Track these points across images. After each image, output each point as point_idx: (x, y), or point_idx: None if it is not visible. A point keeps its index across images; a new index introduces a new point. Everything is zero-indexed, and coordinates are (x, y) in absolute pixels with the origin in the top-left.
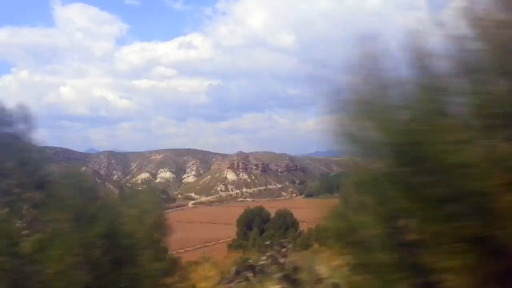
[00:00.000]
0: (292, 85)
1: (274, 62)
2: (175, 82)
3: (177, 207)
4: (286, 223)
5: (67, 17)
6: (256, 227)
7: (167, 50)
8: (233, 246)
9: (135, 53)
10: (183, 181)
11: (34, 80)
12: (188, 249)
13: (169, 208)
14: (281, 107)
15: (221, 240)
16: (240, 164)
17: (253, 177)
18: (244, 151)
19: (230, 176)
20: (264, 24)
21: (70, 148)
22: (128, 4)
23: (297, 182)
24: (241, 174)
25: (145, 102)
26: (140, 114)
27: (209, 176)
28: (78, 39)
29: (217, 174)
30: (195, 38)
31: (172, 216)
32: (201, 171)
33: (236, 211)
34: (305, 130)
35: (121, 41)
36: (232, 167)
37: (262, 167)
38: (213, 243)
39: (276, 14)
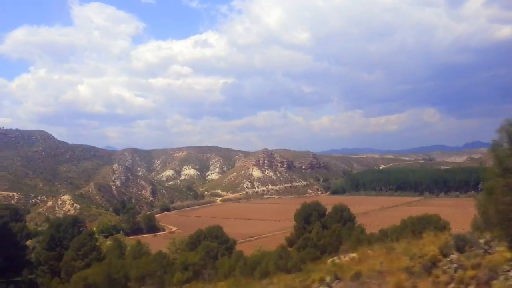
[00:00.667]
0: (307, 83)
1: (289, 59)
2: (191, 80)
3: (206, 203)
4: (343, 218)
5: (85, 16)
6: (314, 221)
7: (182, 48)
8: (293, 239)
9: (150, 51)
10: (207, 178)
11: (52, 78)
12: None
13: (198, 205)
14: (295, 105)
15: (274, 233)
16: (265, 161)
17: (278, 174)
18: (263, 148)
19: (256, 173)
20: (279, 21)
21: (94, 145)
22: (145, 3)
23: (321, 179)
24: (267, 171)
25: (161, 100)
26: (156, 112)
27: (234, 173)
28: (95, 38)
29: (243, 171)
30: (211, 36)
31: (205, 212)
32: (225, 168)
33: (266, 207)
34: (320, 128)
35: (137, 40)
36: (257, 164)
37: (287, 164)
38: (262, 236)
39: (291, 12)
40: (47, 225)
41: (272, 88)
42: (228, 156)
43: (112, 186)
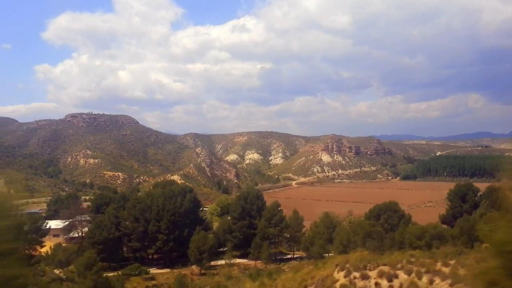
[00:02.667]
0: (345, 68)
1: (327, 44)
2: (228, 66)
3: (284, 186)
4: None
5: (125, 2)
6: (468, 201)
7: (220, 34)
8: (447, 217)
9: (189, 37)
10: (270, 162)
11: (94, 64)
12: None
13: (277, 187)
14: (333, 90)
15: None
16: (334, 146)
17: (347, 159)
18: (331, 133)
19: (325, 158)
20: (319, 5)
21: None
22: None
23: (389, 165)
24: (335, 156)
25: (198, 85)
26: (193, 97)
27: (302, 158)
28: (136, 24)
29: (311, 156)
30: (248, 21)
31: (290, 194)
32: (287, 153)
33: (348, 191)
34: (357, 114)
35: (176, 26)
36: (326, 149)
37: (355, 150)
38: None
39: None
40: (235, 198)
41: (310, 73)
42: (288, 141)
43: (206, 168)
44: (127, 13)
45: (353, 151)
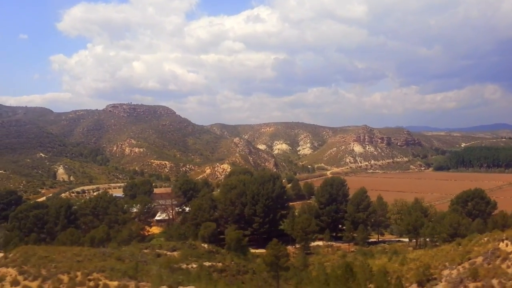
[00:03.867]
0: (361, 58)
1: (342, 34)
2: (242, 56)
3: (319, 176)
4: None
5: None
6: None
7: (234, 24)
8: None
9: (203, 28)
10: (298, 153)
11: (109, 55)
12: None
13: (314, 177)
14: (347, 81)
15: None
16: (365, 137)
17: (379, 150)
18: (363, 124)
19: (357, 148)
20: None
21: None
22: None
23: (420, 156)
24: (367, 147)
25: (212, 76)
26: (207, 88)
27: (334, 148)
28: (150, 14)
29: (343, 147)
30: (263, 12)
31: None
32: (315, 144)
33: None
34: (371, 105)
35: (190, 16)
36: (358, 140)
37: (387, 141)
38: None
39: None
40: (321, 185)
41: (324, 64)
42: (315, 132)
43: (249, 157)
44: (142, 4)
45: (384, 142)
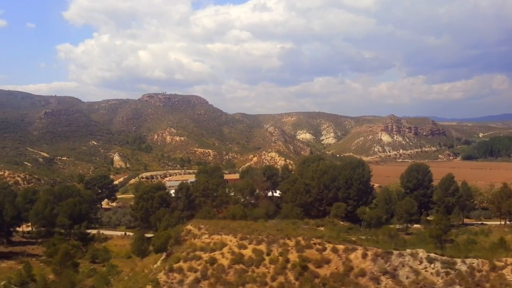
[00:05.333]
0: (368, 48)
1: (350, 23)
2: (248, 45)
3: None
4: None
5: None
6: None
7: (240, 13)
8: None
9: (209, 16)
10: (322, 142)
11: (115, 44)
12: None
13: None
14: (354, 71)
15: None
16: (393, 126)
17: (407, 140)
18: (390, 114)
19: (385, 138)
20: None
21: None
22: None
23: (447, 145)
24: (395, 137)
25: (218, 65)
26: (213, 77)
27: (361, 138)
28: (156, 2)
29: (370, 136)
30: (269, 0)
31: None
32: (339, 133)
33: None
34: (377, 95)
35: (196, 5)
36: (385, 129)
37: (414, 130)
38: None
39: None
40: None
41: (331, 53)
42: (338, 122)
43: (290, 146)
44: None
45: (412, 132)
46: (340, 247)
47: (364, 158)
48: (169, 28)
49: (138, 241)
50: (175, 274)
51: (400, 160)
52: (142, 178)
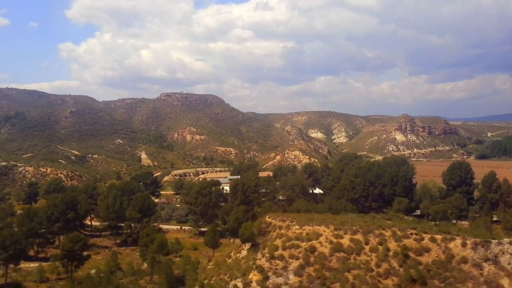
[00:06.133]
0: (370, 47)
1: (352, 22)
2: (250, 45)
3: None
4: None
5: None
6: None
7: (242, 12)
8: None
9: (211, 16)
10: (334, 141)
11: (117, 43)
12: None
13: None
14: (356, 70)
15: None
16: (407, 126)
17: (421, 139)
18: (403, 113)
19: (399, 137)
20: None
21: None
22: None
23: (460, 144)
24: (409, 136)
25: (220, 64)
26: (215, 76)
27: (375, 137)
28: (159, 1)
29: (384, 135)
30: None
31: None
32: (350, 132)
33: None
34: (379, 94)
35: (198, 4)
36: (399, 128)
37: (428, 130)
38: None
39: None
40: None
41: (333, 52)
42: (349, 121)
43: (310, 145)
44: None
45: (426, 131)
46: (438, 236)
47: (378, 157)
48: (171, 27)
49: (211, 233)
50: (277, 261)
51: (415, 159)
52: (176, 176)
